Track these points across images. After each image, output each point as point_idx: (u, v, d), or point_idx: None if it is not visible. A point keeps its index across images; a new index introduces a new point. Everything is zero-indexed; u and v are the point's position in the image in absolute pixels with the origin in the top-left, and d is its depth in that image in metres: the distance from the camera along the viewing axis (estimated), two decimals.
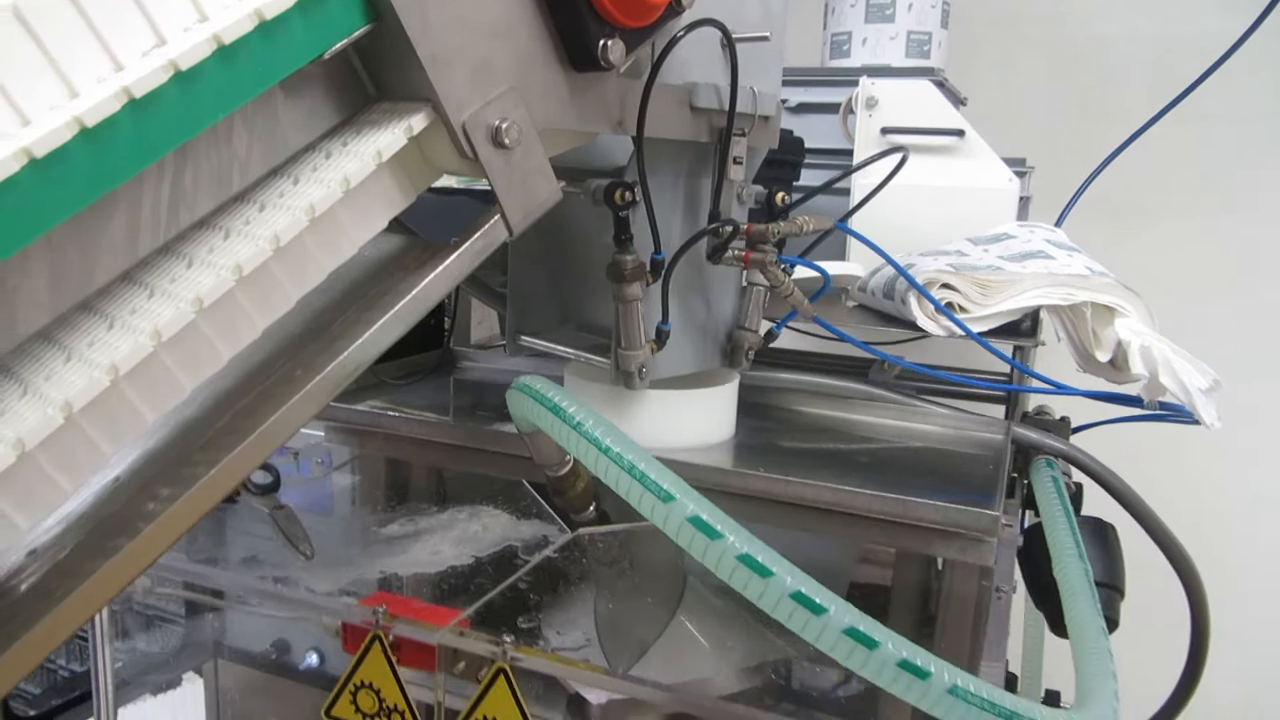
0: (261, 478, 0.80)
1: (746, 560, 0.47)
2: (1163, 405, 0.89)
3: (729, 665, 0.87)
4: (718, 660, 0.87)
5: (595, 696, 0.84)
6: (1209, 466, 1.81)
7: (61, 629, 0.39)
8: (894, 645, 0.45)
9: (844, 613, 0.45)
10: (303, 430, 0.53)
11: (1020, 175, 1.19)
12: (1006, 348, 0.94)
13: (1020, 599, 0.87)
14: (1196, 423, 0.86)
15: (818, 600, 0.46)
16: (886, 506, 0.70)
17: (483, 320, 1.37)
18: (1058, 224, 1.18)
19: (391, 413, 0.83)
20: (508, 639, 0.56)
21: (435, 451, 0.83)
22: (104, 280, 0.42)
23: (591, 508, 0.74)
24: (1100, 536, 0.86)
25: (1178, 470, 1.69)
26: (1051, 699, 0.99)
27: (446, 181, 0.95)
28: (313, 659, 1.22)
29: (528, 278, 0.87)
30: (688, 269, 0.77)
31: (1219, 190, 1.77)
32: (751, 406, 0.91)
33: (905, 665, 0.44)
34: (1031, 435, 0.88)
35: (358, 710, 0.59)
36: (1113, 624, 0.87)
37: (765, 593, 0.47)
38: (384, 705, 0.58)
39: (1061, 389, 0.88)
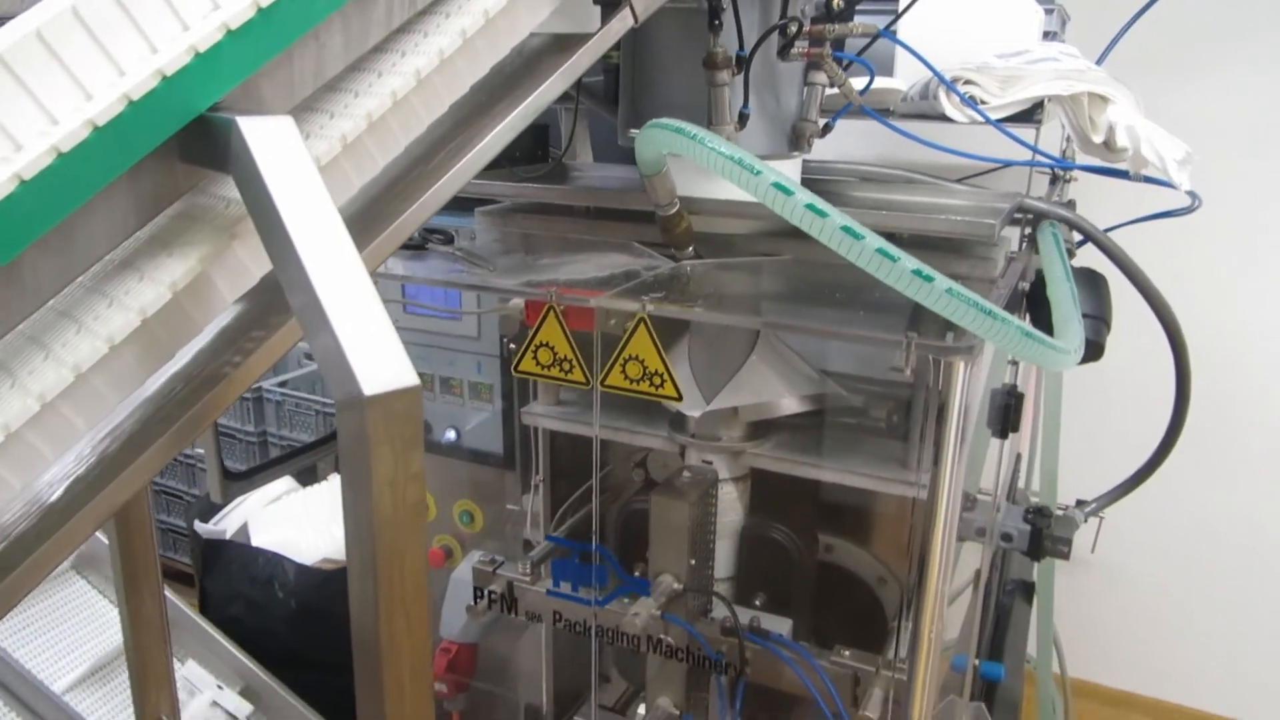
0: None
1: (847, 230, 0.70)
2: (1147, 179, 1.10)
3: (791, 393, 1.12)
4: (782, 387, 1.11)
5: (692, 410, 1.10)
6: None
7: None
8: (907, 260, 0.68)
9: (876, 240, 0.69)
10: None
11: (1049, 12, 1.36)
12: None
13: None
14: (1174, 188, 1.07)
15: (859, 231, 0.69)
16: (912, 224, 0.92)
17: None
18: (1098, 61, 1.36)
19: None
20: (646, 297, 0.81)
21: (566, 222, 1.08)
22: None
23: (691, 248, 0.98)
24: (1091, 281, 1.08)
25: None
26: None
27: None
28: (450, 434, 1.49)
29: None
30: (762, 66, 0.99)
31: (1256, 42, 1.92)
32: (809, 183, 1.14)
33: (917, 273, 0.68)
34: (1039, 204, 1.10)
35: (538, 364, 0.84)
36: (1099, 349, 1.09)
37: (848, 244, 0.70)
38: (557, 357, 0.83)
39: (1061, 163, 1.10)
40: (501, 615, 1.52)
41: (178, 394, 0.66)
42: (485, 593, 1.10)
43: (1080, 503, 1.41)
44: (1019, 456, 1.76)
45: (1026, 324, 0.72)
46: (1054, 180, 1.52)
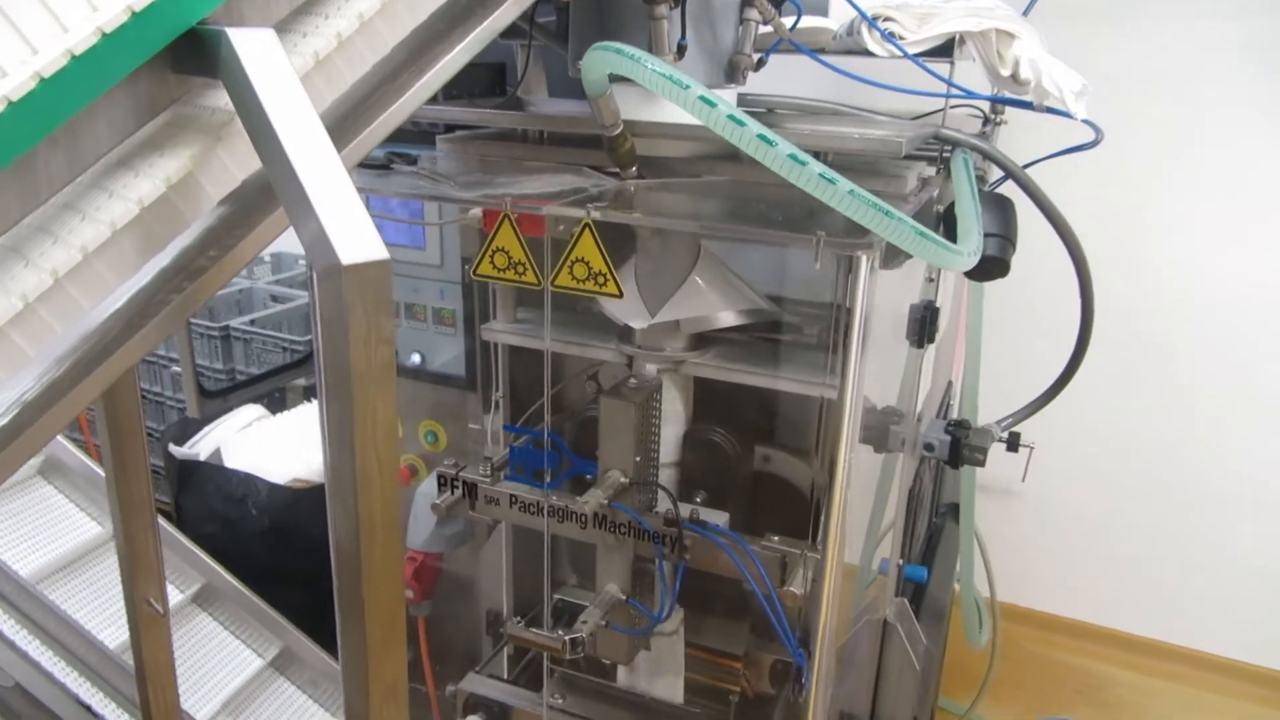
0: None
1: (762, 138, 0.80)
2: (1049, 110, 1.21)
3: (728, 308, 1.22)
4: (720, 302, 1.21)
5: (637, 323, 1.20)
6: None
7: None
8: (815, 165, 0.78)
9: (788, 148, 0.79)
10: None
11: None
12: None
13: None
14: (1072, 117, 1.18)
15: (772, 139, 0.79)
16: (830, 143, 1.02)
17: None
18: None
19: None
20: (591, 205, 0.91)
21: (521, 147, 1.17)
22: None
23: (634, 168, 1.08)
24: (999, 203, 1.19)
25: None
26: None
27: None
28: (415, 358, 1.58)
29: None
30: (699, 1, 1.08)
31: None
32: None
33: (823, 176, 0.78)
34: (954, 133, 1.20)
35: (494, 268, 0.94)
36: (1005, 266, 1.21)
37: (764, 150, 0.80)
38: (511, 260, 0.93)
39: (971, 94, 1.20)
40: (464, 529, 1.62)
41: (169, 281, 0.74)
42: (449, 482, 1.19)
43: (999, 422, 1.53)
44: (949, 384, 1.88)
45: (920, 225, 0.82)
46: (985, 122, 1.63)
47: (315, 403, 1.25)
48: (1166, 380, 2.36)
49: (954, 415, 1.89)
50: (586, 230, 0.90)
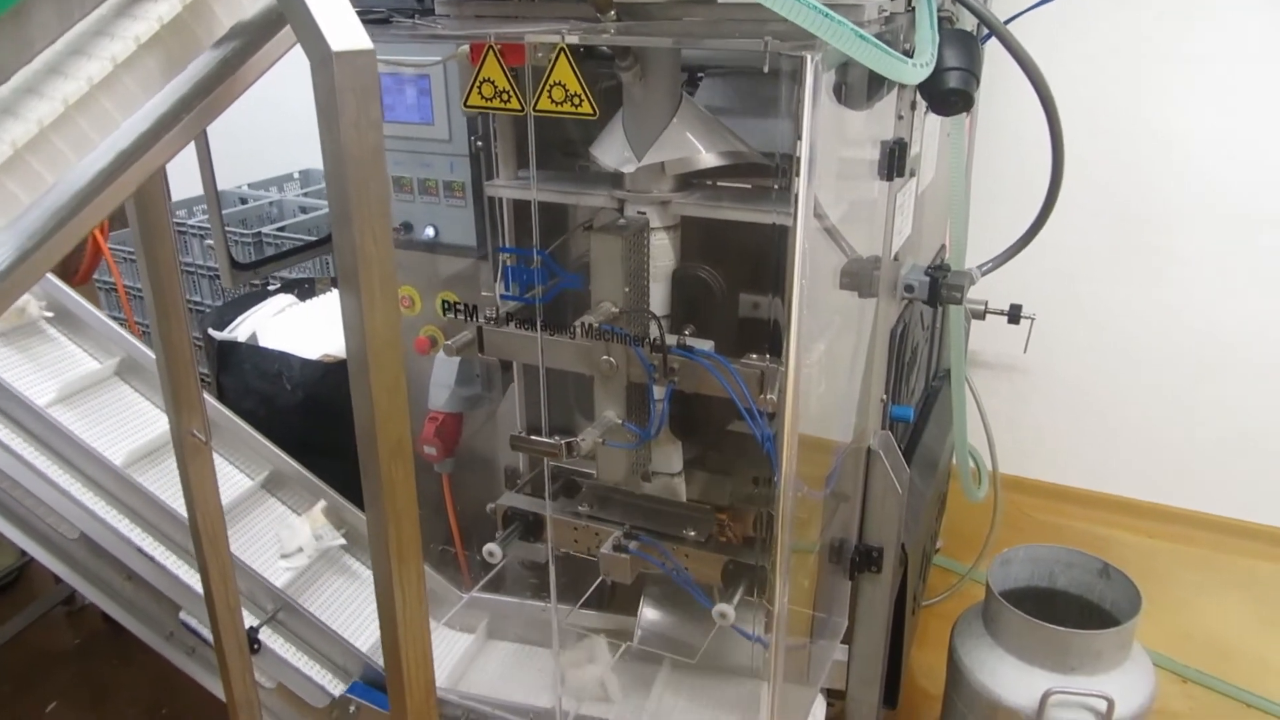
0: None
1: None
2: None
3: (709, 150, 1.31)
4: (702, 145, 1.30)
5: (627, 169, 1.30)
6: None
7: None
8: None
9: None
10: None
11: None
12: None
13: None
14: None
15: None
16: None
17: None
18: None
19: None
20: (565, 30, 1.00)
21: (511, 4, 1.26)
22: None
23: (612, 11, 1.16)
24: (962, 38, 1.26)
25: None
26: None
27: None
28: (429, 231, 1.69)
29: None
30: None
31: None
32: None
33: None
34: None
35: (482, 97, 1.04)
36: (968, 99, 1.28)
37: None
38: (497, 89, 1.02)
39: None
40: (480, 390, 1.75)
41: (191, 92, 0.85)
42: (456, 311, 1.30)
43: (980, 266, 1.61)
44: (943, 247, 1.96)
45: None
46: None
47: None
48: (1164, 250, 2.41)
49: None
50: (562, 54, 0.99)
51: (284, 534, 1.73)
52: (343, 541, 1.79)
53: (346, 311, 0.81)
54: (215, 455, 1.85)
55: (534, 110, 1.04)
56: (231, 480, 1.83)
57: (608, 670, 1.58)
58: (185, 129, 0.84)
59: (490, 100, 1.04)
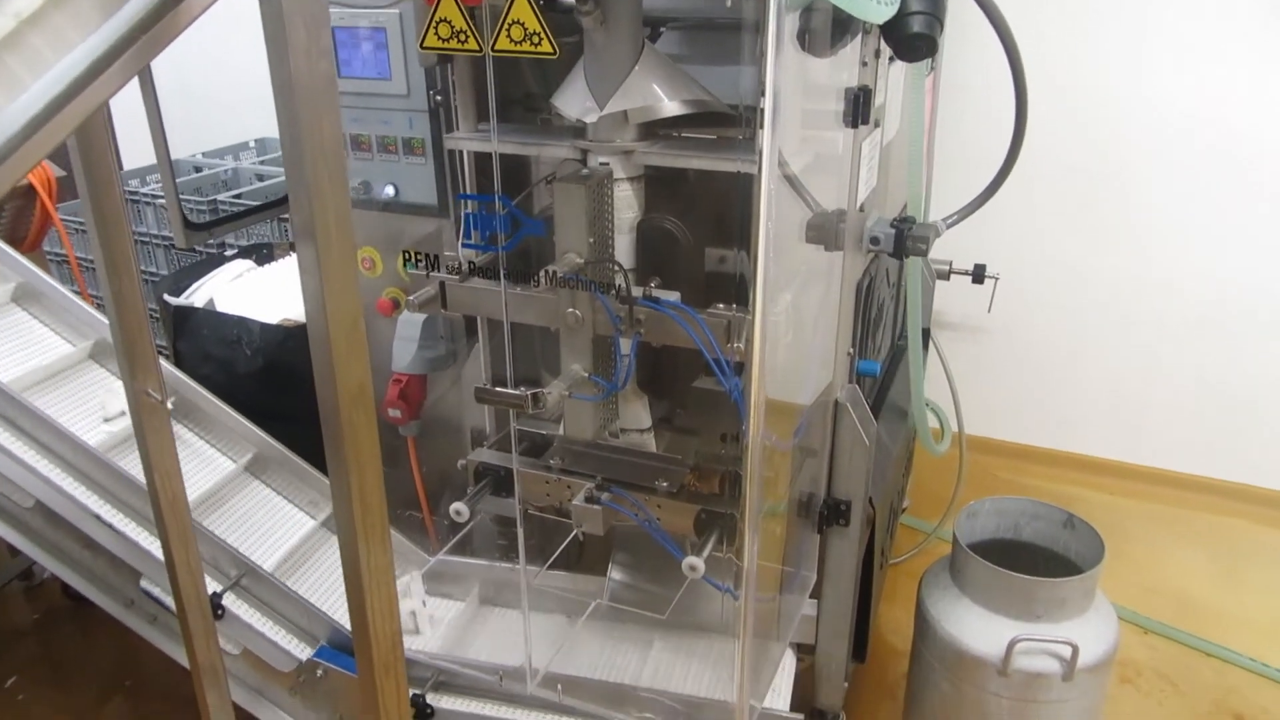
0: None
1: None
2: None
3: (672, 97, 1.29)
4: (664, 93, 1.28)
5: (589, 118, 1.27)
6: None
7: None
8: None
9: None
10: None
11: None
12: None
13: None
14: None
15: None
16: None
17: None
18: None
19: None
20: None
21: None
22: None
23: None
24: None
25: None
26: None
27: None
28: (389, 190, 1.66)
29: None
30: None
31: None
32: None
33: None
34: None
35: (439, 38, 1.01)
36: (933, 44, 1.27)
37: None
38: (454, 29, 1.00)
39: None
40: (444, 352, 1.72)
41: (139, 20, 0.81)
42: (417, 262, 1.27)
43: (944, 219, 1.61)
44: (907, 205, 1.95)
45: None
46: None
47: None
48: (1126, 211, 2.43)
49: None
50: None
51: (108, 399, 1.70)
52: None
53: (302, 253, 0.79)
54: (199, 439, 1.83)
55: (492, 50, 1.02)
56: (213, 464, 1.80)
57: (419, 603, 1.65)
58: (126, 65, 0.80)
59: (447, 41, 1.02)
